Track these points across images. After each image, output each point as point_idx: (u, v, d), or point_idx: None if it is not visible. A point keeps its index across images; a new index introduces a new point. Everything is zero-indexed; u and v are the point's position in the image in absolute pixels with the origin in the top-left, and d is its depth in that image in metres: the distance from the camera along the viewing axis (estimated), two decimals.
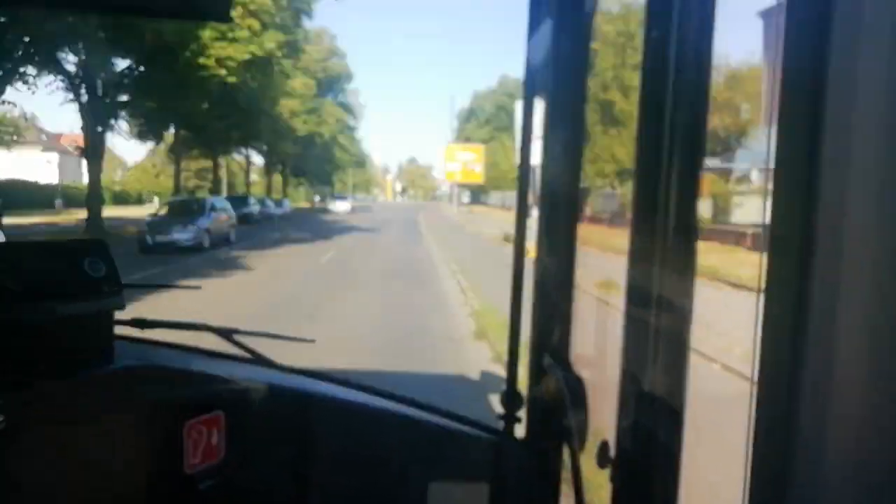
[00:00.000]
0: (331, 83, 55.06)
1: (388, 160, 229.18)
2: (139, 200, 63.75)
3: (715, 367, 5.08)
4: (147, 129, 31.98)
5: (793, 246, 0.51)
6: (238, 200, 30.99)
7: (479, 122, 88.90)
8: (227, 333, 1.58)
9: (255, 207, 33.21)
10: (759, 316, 0.55)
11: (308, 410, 1.55)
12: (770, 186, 0.56)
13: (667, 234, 0.89)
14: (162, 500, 1.36)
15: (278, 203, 43.31)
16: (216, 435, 1.41)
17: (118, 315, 1.37)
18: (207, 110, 28.54)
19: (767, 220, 0.55)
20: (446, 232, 27.81)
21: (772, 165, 0.55)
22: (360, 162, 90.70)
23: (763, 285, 0.55)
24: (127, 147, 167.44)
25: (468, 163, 50.08)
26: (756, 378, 0.56)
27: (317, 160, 58.63)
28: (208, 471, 1.40)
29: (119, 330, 1.38)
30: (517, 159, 1.41)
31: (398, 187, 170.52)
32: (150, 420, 1.32)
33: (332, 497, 1.57)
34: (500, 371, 4.24)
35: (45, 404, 1.17)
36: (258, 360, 1.63)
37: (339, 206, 54.35)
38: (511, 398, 1.43)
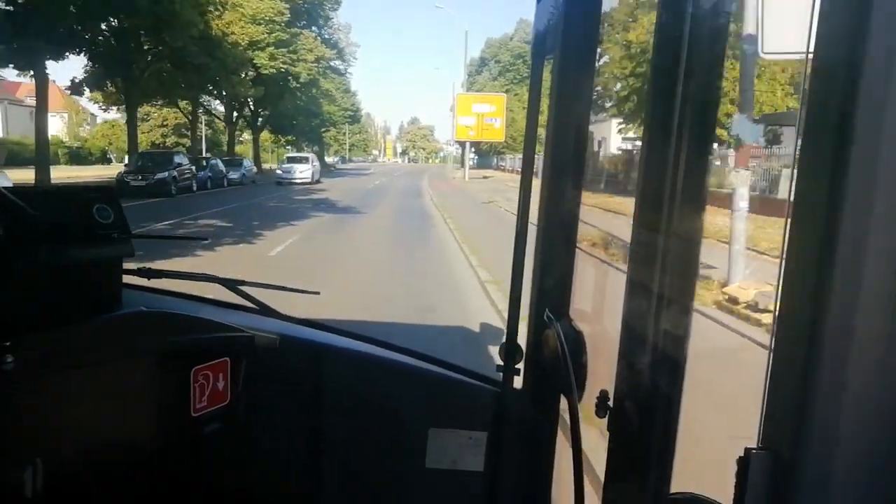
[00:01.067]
0: (311, 10, 42.79)
1: (388, 120, 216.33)
2: (104, 159, 58.64)
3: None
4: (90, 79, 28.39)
5: (815, 205, 0.53)
6: (161, 159, 25.35)
7: (492, 74, 76.14)
8: (232, 284, 1.60)
9: (177, 171, 25.00)
10: (781, 263, 0.57)
11: (312, 359, 1.58)
12: (795, 165, 0.58)
13: (674, 196, 0.92)
14: (169, 441, 1.40)
15: (233, 164, 32.85)
16: (222, 380, 1.46)
17: (126, 265, 1.36)
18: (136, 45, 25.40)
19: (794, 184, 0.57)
20: (471, 212, 19.67)
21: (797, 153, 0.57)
22: (355, 117, 78.50)
23: (786, 241, 0.57)
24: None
25: (486, 116, 37.79)
26: (775, 327, 0.58)
27: (294, 111, 49.98)
28: (214, 414, 1.44)
29: (127, 279, 1.39)
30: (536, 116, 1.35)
31: (399, 148, 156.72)
32: (157, 365, 1.35)
33: (335, 442, 1.61)
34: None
35: (53, 347, 1.19)
36: (263, 310, 1.68)
37: (295, 173, 33.14)
38: (510, 350, 1.45)
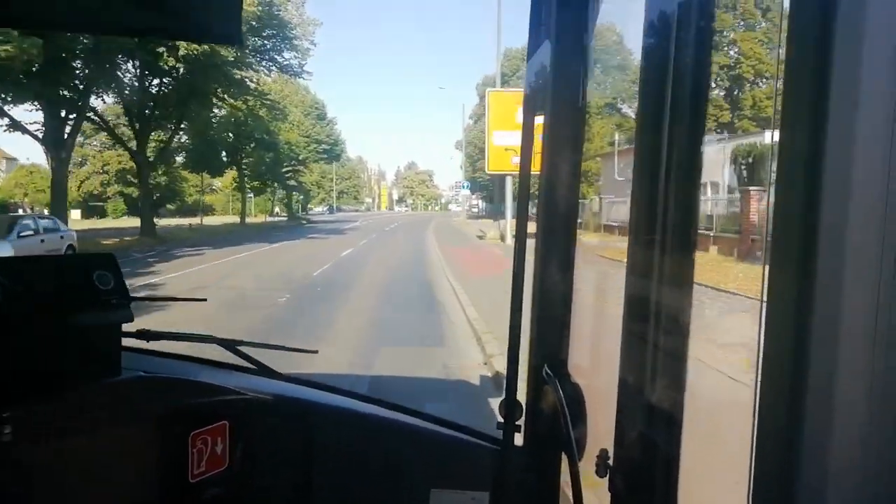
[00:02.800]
0: None
1: (383, 164, 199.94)
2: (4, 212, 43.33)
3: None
4: None
5: (793, 249, 0.54)
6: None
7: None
8: (230, 345, 1.65)
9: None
10: (762, 321, 0.58)
11: (311, 420, 1.62)
12: (772, 190, 0.58)
13: (665, 245, 0.94)
14: None
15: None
16: (220, 444, 1.47)
17: (125, 327, 1.42)
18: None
19: (770, 224, 0.58)
20: None
21: (773, 168, 0.58)
22: (333, 152, 58.81)
23: (765, 289, 0.58)
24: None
25: (538, 130, 14.83)
26: (758, 383, 0.59)
27: (220, 135, 38.43)
28: (212, 479, 1.46)
29: (126, 342, 1.45)
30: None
31: (395, 195, 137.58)
32: (156, 429, 1.39)
33: None
34: None
35: (52, 415, 1.23)
36: (262, 370, 1.71)
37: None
38: (510, 407, 1.45)
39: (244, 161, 44.50)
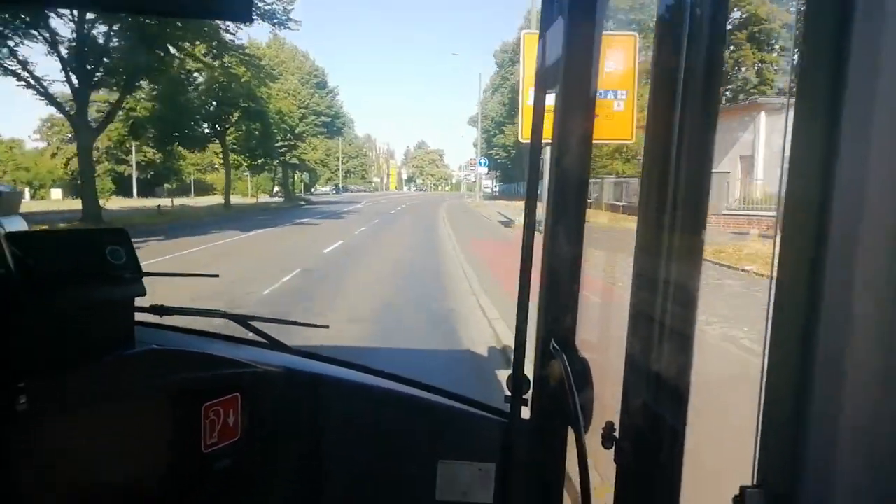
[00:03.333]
0: None
1: (392, 143, 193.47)
2: None
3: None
4: None
5: (806, 228, 0.55)
6: None
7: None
8: (242, 319, 1.72)
9: None
10: (771, 293, 0.59)
11: (321, 393, 1.66)
12: (784, 177, 0.59)
13: (675, 222, 0.97)
14: (180, 479, 1.46)
15: None
16: (233, 416, 1.51)
17: (138, 302, 1.45)
18: None
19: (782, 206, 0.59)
20: None
21: (787, 154, 0.58)
22: (334, 125, 52.32)
23: (775, 266, 0.58)
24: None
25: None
26: (766, 356, 0.59)
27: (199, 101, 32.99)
28: (225, 450, 1.50)
29: (139, 316, 1.49)
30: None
31: (404, 175, 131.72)
32: (169, 402, 1.43)
33: (344, 476, 1.68)
34: None
35: (66, 387, 1.26)
36: (273, 344, 1.77)
37: None
38: (518, 380, 1.48)
39: (230, 132, 38.28)
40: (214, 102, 34.92)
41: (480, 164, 46.79)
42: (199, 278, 2.28)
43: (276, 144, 47.66)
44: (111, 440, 1.34)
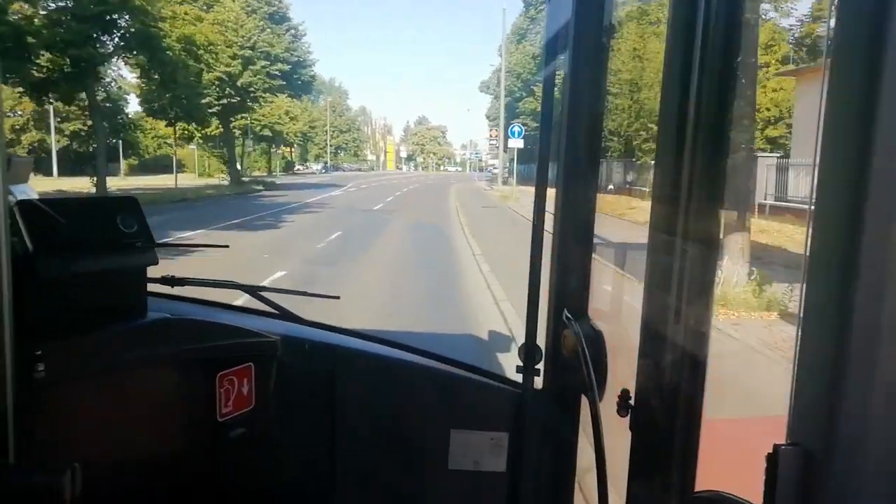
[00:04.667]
0: None
1: (389, 118, 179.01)
2: None
3: None
4: None
5: (840, 208, 0.57)
6: None
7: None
8: (253, 290, 1.76)
9: None
10: (806, 252, 0.61)
11: (332, 362, 1.72)
12: (817, 164, 0.61)
13: (691, 193, 1.00)
14: (196, 446, 1.52)
15: None
16: (246, 385, 1.55)
17: (150, 272, 1.49)
18: None
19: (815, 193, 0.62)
20: None
21: (820, 128, 0.61)
22: (300, 79, 36.63)
23: (810, 233, 0.61)
24: None
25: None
26: (801, 317, 0.62)
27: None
28: (240, 419, 1.54)
29: (151, 287, 1.53)
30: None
31: (403, 153, 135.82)
32: (183, 371, 1.48)
33: (356, 444, 1.73)
34: None
35: (82, 355, 1.30)
36: (284, 315, 1.81)
37: None
38: (530, 351, 1.54)
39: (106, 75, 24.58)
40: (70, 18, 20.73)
41: (513, 134, 30.30)
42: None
43: (206, 100, 33.30)
44: (127, 408, 1.38)
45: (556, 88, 1.48)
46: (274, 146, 68.16)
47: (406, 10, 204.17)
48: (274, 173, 65.14)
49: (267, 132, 58.89)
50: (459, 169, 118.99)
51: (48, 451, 1.22)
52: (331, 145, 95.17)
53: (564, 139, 1.45)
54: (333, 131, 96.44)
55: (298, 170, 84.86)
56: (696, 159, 0.97)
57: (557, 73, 1.47)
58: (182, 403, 1.47)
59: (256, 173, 63.22)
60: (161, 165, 54.42)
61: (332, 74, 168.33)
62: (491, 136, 58.18)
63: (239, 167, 51.31)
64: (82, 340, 1.29)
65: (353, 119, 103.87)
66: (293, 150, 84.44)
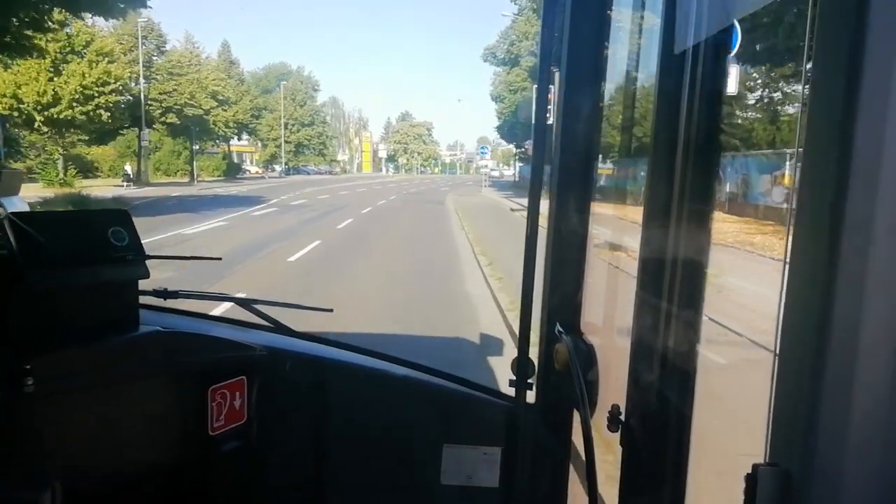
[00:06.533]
0: None
1: (364, 110, 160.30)
2: None
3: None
4: None
5: (820, 206, 0.57)
6: None
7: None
8: (247, 303, 1.79)
9: None
10: (784, 275, 0.63)
11: (326, 376, 1.74)
12: (798, 165, 0.64)
13: (682, 206, 0.99)
14: (187, 461, 1.53)
15: None
16: (238, 399, 1.55)
17: (142, 285, 1.53)
18: None
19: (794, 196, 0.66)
20: None
21: (800, 148, 0.63)
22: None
23: (788, 249, 0.62)
24: None
25: None
26: (779, 336, 0.63)
27: None
28: (232, 433, 1.55)
29: (143, 300, 1.58)
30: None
31: (382, 152, 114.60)
32: (175, 384, 1.49)
33: (349, 459, 1.76)
34: None
35: (72, 369, 1.31)
36: (278, 328, 1.84)
37: None
38: (523, 364, 1.55)
39: None
40: None
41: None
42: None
43: None
44: (118, 422, 1.39)
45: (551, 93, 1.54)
46: (209, 142, 49.48)
47: None
48: (202, 178, 47.38)
49: (173, 119, 39.84)
50: (436, 171, 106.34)
51: (35, 465, 1.24)
52: (288, 141, 76.21)
53: (558, 149, 1.47)
54: (293, 124, 77.67)
55: (256, 172, 67.88)
56: (686, 176, 0.98)
57: (552, 81, 1.49)
58: (174, 417, 1.49)
59: (165, 178, 45.02)
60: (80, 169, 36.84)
61: (302, 63, 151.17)
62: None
63: (129, 169, 38.38)
64: (73, 354, 1.31)
65: (317, 110, 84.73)
66: (258, 149, 66.29)
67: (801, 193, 0.59)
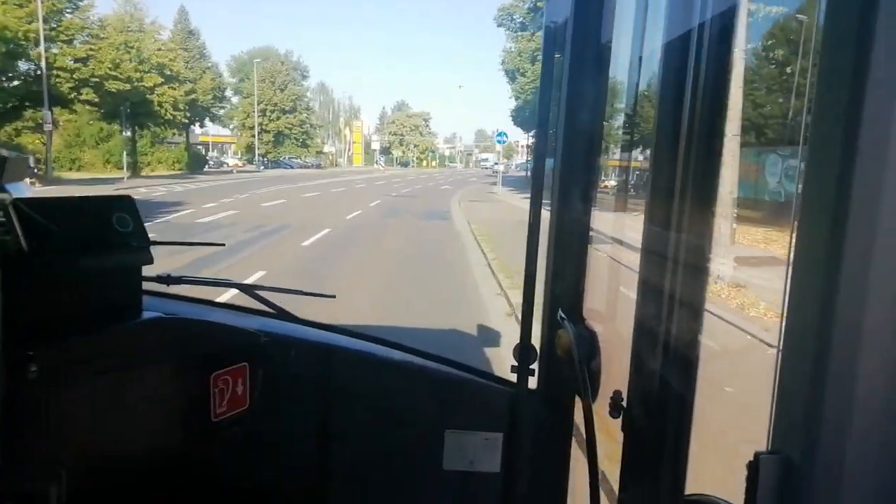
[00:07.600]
0: None
1: (356, 97, 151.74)
2: None
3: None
4: None
5: (825, 203, 0.59)
6: None
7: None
8: (249, 289, 1.82)
9: None
10: (790, 260, 0.64)
11: (329, 362, 1.79)
12: (803, 161, 0.65)
13: (685, 195, 1.02)
14: (190, 447, 1.58)
15: None
16: (241, 385, 1.58)
17: (145, 271, 1.56)
18: None
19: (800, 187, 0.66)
20: None
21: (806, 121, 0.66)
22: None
23: (794, 233, 0.64)
24: None
25: None
26: (784, 323, 0.64)
27: None
28: (234, 419, 1.59)
29: (146, 286, 1.61)
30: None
31: (376, 143, 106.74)
32: (177, 371, 1.53)
33: (351, 444, 1.81)
34: None
35: (75, 355, 1.34)
36: (280, 314, 1.88)
37: None
38: (525, 350, 1.61)
39: None
40: None
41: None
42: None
43: None
44: (120, 409, 1.41)
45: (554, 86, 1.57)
46: (169, 129, 40.02)
47: None
48: (156, 171, 38.21)
49: (90, 95, 30.14)
50: (433, 164, 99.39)
51: (40, 453, 1.27)
52: (266, 130, 66.97)
53: (562, 138, 1.49)
54: (272, 110, 68.29)
55: (235, 165, 65.88)
56: (689, 166, 1.00)
57: (557, 56, 1.50)
58: (176, 404, 1.52)
59: (94, 173, 35.94)
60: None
61: (291, 47, 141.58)
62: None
63: (31, 161, 30.85)
64: (76, 341, 1.33)
65: (299, 95, 75.23)
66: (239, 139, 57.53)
67: (806, 190, 0.61)
